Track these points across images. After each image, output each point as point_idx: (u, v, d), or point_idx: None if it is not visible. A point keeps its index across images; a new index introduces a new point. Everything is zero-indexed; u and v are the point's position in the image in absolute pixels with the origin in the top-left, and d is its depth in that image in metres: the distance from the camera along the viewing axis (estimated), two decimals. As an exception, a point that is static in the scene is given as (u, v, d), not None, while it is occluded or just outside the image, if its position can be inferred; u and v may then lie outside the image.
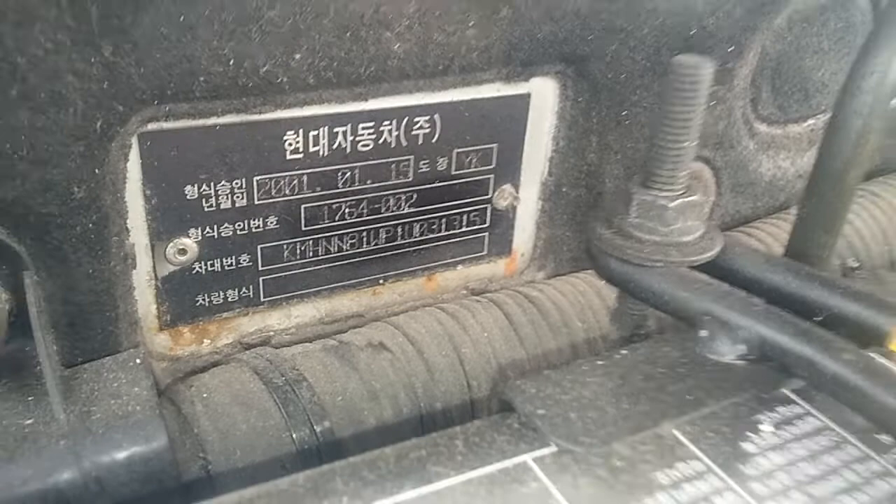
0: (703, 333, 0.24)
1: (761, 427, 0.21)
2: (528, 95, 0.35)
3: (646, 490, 0.19)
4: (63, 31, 0.22)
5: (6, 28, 0.22)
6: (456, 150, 0.35)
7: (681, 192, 0.27)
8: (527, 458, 0.20)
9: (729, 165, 0.41)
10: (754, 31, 0.38)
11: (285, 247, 0.33)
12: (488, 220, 0.37)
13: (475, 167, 0.36)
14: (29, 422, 0.23)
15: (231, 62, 0.26)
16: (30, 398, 0.24)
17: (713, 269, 0.27)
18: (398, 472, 0.19)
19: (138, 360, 0.27)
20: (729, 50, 0.37)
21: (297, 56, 0.28)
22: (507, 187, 0.37)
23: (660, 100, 0.27)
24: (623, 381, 0.23)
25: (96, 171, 0.26)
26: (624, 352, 0.25)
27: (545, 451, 0.20)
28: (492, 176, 0.36)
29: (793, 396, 0.23)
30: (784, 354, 0.23)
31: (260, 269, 0.33)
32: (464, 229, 0.37)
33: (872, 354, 0.23)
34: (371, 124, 0.32)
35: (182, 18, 0.24)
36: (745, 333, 0.24)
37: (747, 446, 0.21)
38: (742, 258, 0.27)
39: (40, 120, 0.23)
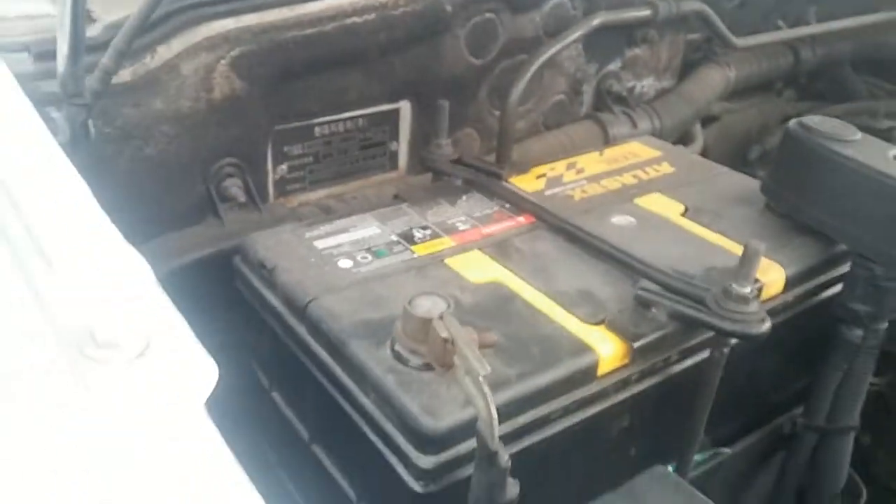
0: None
1: (463, 196, 0.81)
2: (398, 109, 0.93)
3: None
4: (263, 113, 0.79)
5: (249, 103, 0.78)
6: (374, 128, 0.92)
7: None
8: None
9: (487, 129, 1.01)
10: (483, 78, 0.97)
11: (315, 168, 0.90)
12: (388, 155, 0.95)
13: (383, 135, 0.94)
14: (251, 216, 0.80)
15: (296, 111, 0.83)
16: (252, 212, 0.80)
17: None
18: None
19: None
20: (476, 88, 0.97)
21: (323, 100, 0.85)
22: (395, 142, 0.95)
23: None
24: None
25: (265, 144, 0.82)
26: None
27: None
28: (388, 137, 0.94)
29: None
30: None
31: (308, 176, 0.90)
32: (378, 159, 0.95)
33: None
34: (349, 121, 0.89)
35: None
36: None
37: (456, 200, 0.80)
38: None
39: (256, 135, 0.80)
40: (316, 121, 0.86)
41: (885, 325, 0.71)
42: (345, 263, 0.68)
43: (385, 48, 0.85)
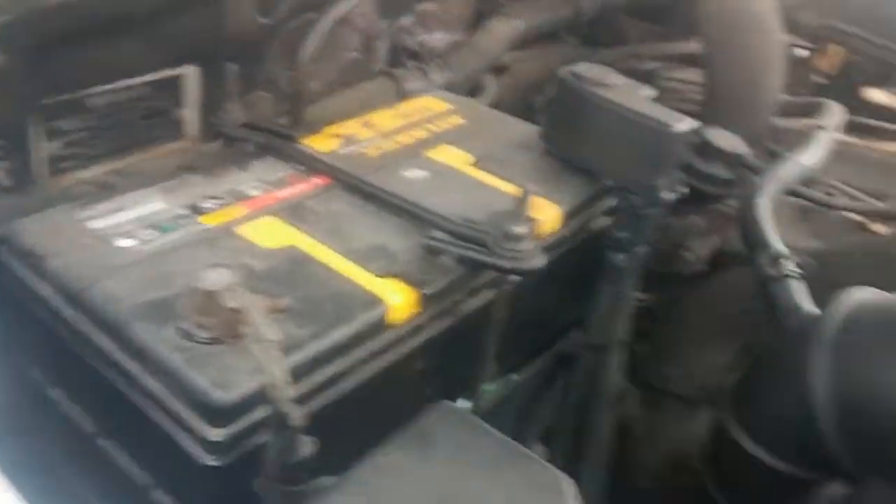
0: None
1: (255, 161, 0.80)
2: (183, 74, 0.88)
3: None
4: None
5: None
6: (156, 95, 0.88)
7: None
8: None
9: (280, 90, 0.99)
10: (273, 38, 0.95)
11: (93, 143, 0.84)
12: (174, 123, 0.91)
13: (167, 103, 0.89)
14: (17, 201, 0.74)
15: (66, 82, 0.77)
16: (19, 196, 0.74)
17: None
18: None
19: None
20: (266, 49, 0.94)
21: (96, 69, 0.79)
22: (181, 109, 0.91)
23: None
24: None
25: (31, 120, 0.75)
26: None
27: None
28: (173, 105, 0.90)
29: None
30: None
31: (84, 152, 0.84)
32: (163, 128, 0.90)
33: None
34: (128, 90, 0.84)
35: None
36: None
37: (247, 166, 0.79)
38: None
39: (20, 112, 0.73)
40: (90, 91, 0.81)
41: (645, 248, 0.80)
42: (125, 242, 0.65)
43: (166, 10, 0.80)
